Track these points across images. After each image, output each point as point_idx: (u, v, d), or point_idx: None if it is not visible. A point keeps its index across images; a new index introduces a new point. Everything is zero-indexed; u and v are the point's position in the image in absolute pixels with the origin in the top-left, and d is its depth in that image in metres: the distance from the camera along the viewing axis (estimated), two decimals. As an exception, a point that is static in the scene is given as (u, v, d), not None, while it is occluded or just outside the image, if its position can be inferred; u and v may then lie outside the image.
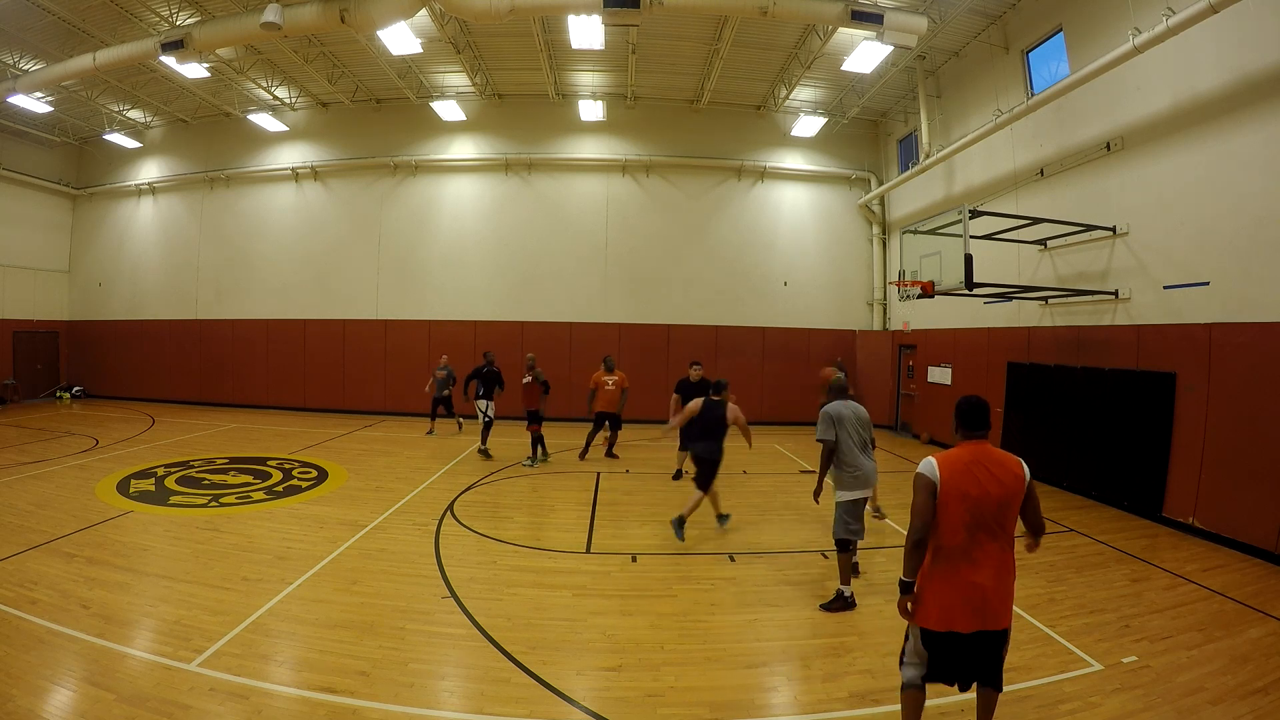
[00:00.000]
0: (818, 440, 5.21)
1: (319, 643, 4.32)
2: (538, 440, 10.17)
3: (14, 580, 5.12)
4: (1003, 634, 2.98)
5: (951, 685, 3.10)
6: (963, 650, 2.96)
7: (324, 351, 16.03)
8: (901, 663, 3.17)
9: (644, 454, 10.88)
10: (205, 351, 16.84)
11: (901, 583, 3.01)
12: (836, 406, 5.27)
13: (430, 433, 12.90)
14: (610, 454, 10.86)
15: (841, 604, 5.00)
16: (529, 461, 10.12)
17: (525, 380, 10.13)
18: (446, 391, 12.96)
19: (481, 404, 10.68)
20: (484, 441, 10.80)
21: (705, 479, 6.64)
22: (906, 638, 3.15)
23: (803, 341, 15.61)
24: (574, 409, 15.11)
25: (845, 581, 5.09)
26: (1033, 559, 6.20)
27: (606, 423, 10.64)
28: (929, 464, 2.97)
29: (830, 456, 5.19)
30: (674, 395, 9.56)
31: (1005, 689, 3.72)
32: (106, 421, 13.79)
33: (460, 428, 13.19)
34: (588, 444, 10.73)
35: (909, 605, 3.02)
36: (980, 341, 11.58)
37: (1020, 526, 3.07)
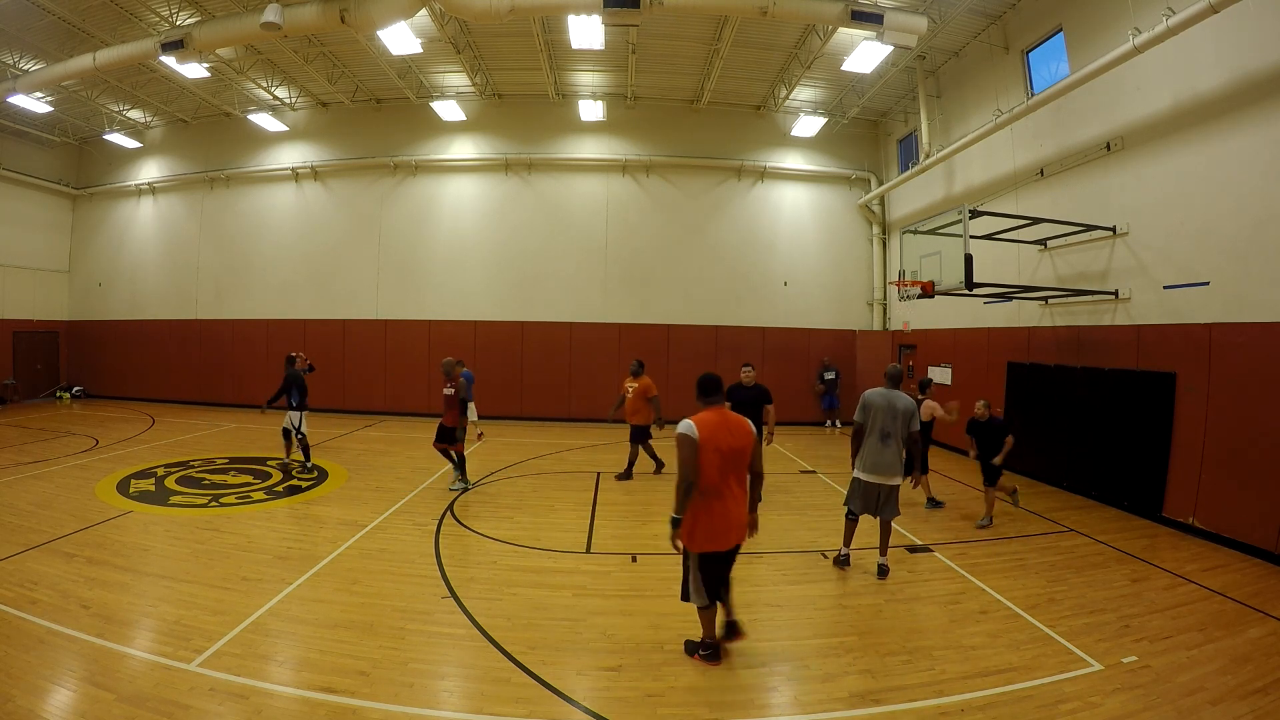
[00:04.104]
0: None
1: (319, 643, 4.31)
2: (460, 460, 8.66)
3: (14, 580, 5.12)
4: (737, 549, 4.06)
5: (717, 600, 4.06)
6: (724, 563, 4.04)
7: (324, 351, 15.97)
8: (687, 595, 4.07)
9: (643, 455, 10.84)
10: (205, 351, 16.84)
11: (673, 519, 3.87)
12: (872, 394, 5.63)
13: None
14: (623, 476, 9.35)
15: (838, 559, 5.92)
16: (458, 485, 8.62)
17: (447, 391, 8.37)
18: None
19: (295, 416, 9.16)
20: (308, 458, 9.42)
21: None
22: (686, 572, 4.05)
23: (803, 341, 15.61)
24: (573, 409, 15.21)
25: (845, 544, 5.92)
26: (1033, 559, 6.23)
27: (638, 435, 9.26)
28: (688, 424, 3.83)
29: (857, 436, 5.69)
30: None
31: (1006, 688, 3.86)
32: (106, 421, 13.79)
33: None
34: (650, 457, 9.54)
35: (679, 539, 3.90)
36: (980, 341, 11.58)
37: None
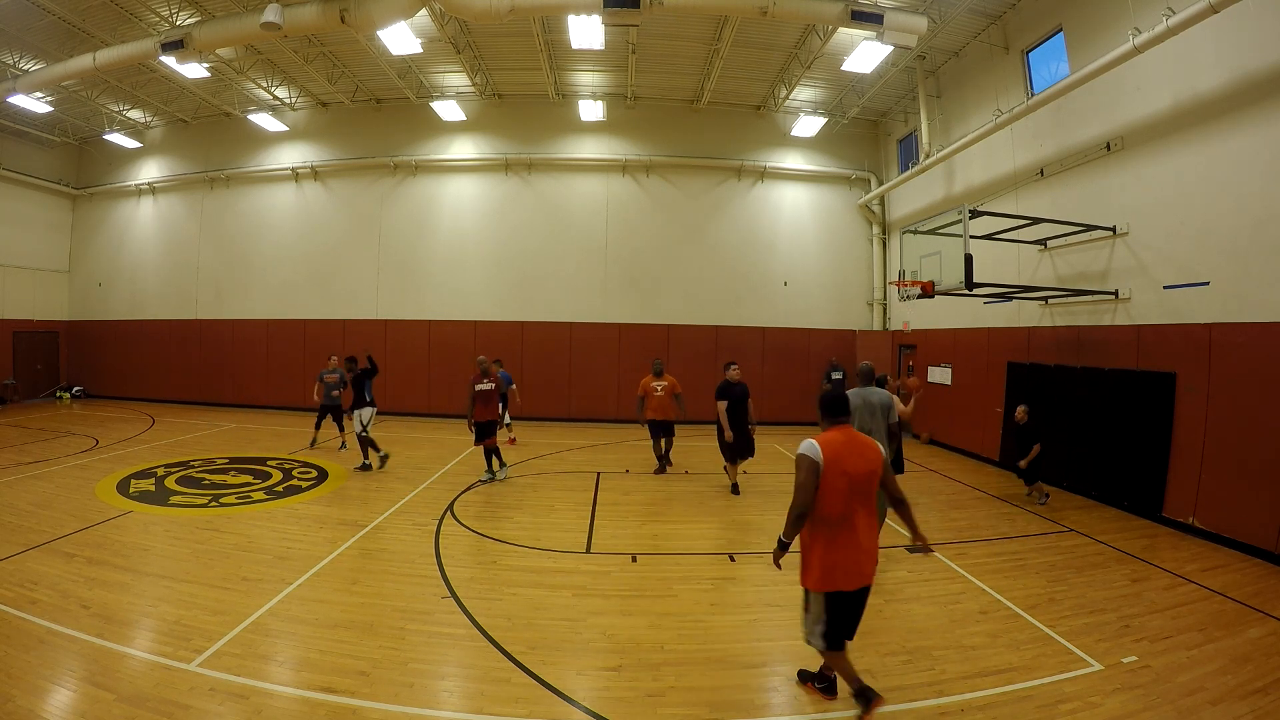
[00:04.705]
0: None
1: (319, 643, 4.31)
2: (494, 451, 9.16)
3: (14, 580, 5.12)
4: (868, 588, 3.53)
5: (849, 641, 3.59)
6: (854, 605, 3.51)
7: (324, 351, 15.97)
8: (809, 638, 3.59)
9: (643, 454, 10.86)
10: (205, 351, 16.84)
11: (781, 543, 3.54)
12: (850, 394, 5.56)
13: (313, 444, 11.34)
14: (662, 469, 9.88)
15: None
16: (493, 476, 9.14)
17: (484, 386, 8.82)
18: (336, 394, 11.12)
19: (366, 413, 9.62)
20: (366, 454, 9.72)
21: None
22: (805, 610, 3.58)
23: (803, 341, 15.61)
24: (573, 409, 15.20)
25: None
26: (1033, 559, 6.23)
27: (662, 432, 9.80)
28: (811, 445, 3.41)
29: None
30: (720, 403, 8.45)
31: (1006, 688, 3.85)
32: (106, 421, 13.79)
33: (344, 446, 11.19)
34: (658, 457, 9.97)
35: (781, 560, 3.58)
36: (980, 341, 11.58)
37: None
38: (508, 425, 11.17)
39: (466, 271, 15.83)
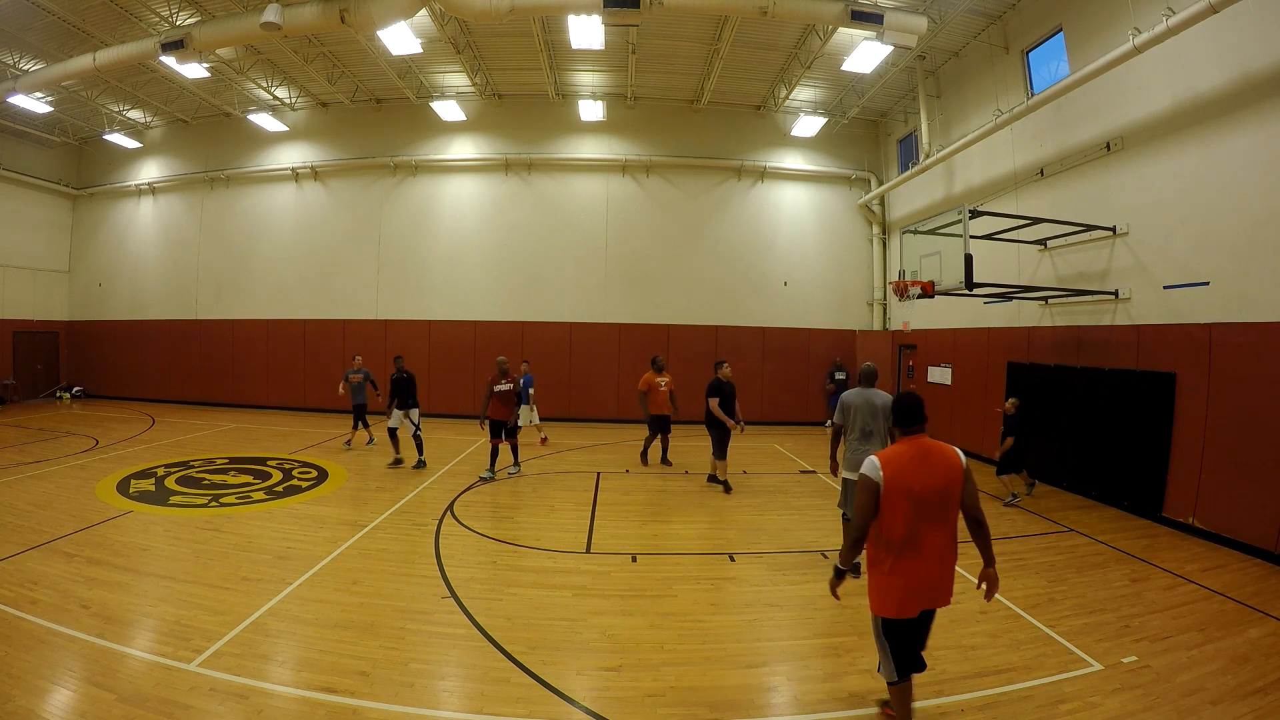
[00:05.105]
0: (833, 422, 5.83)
1: (319, 643, 4.31)
2: (513, 449, 9.49)
3: (14, 580, 5.12)
4: (932, 613, 3.28)
5: (919, 672, 3.35)
6: (912, 632, 3.24)
7: (324, 351, 16.03)
8: (879, 665, 3.39)
9: (675, 458, 10.86)
10: (205, 351, 16.84)
11: (837, 569, 3.30)
12: (851, 394, 5.68)
13: (348, 444, 11.54)
14: (665, 461, 10.33)
15: (839, 574, 5.33)
16: (511, 470, 9.49)
17: (503, 387, 9.08)
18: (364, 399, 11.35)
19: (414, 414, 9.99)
20: (420, 452, 9.97)
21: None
22: (874, 634, 3.33)
23: (803, 341, 15.61)
24: (573, 409, 15.20)
25: None
26: (1033, 559, 6.23)
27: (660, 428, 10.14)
28: (871, 464, 3.12)
29: (836, 438, 5.78)
30: (712, 400, 8.58)
31: (1006, 688, 3.84)
32: (106, 421, 13.79)
33: (370, 441, 11.64)
34: (646, 449, 10.41)
35: (838, 588, 3.31)
36: (980, 341, 11.58)
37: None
38: (537, 425, 11.71)
39: (466, 272, 15.83)
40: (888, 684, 3.32)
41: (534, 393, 11.35)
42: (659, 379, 9.96)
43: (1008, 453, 8.19)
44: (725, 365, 8.96)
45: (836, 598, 3.37)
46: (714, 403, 8.56)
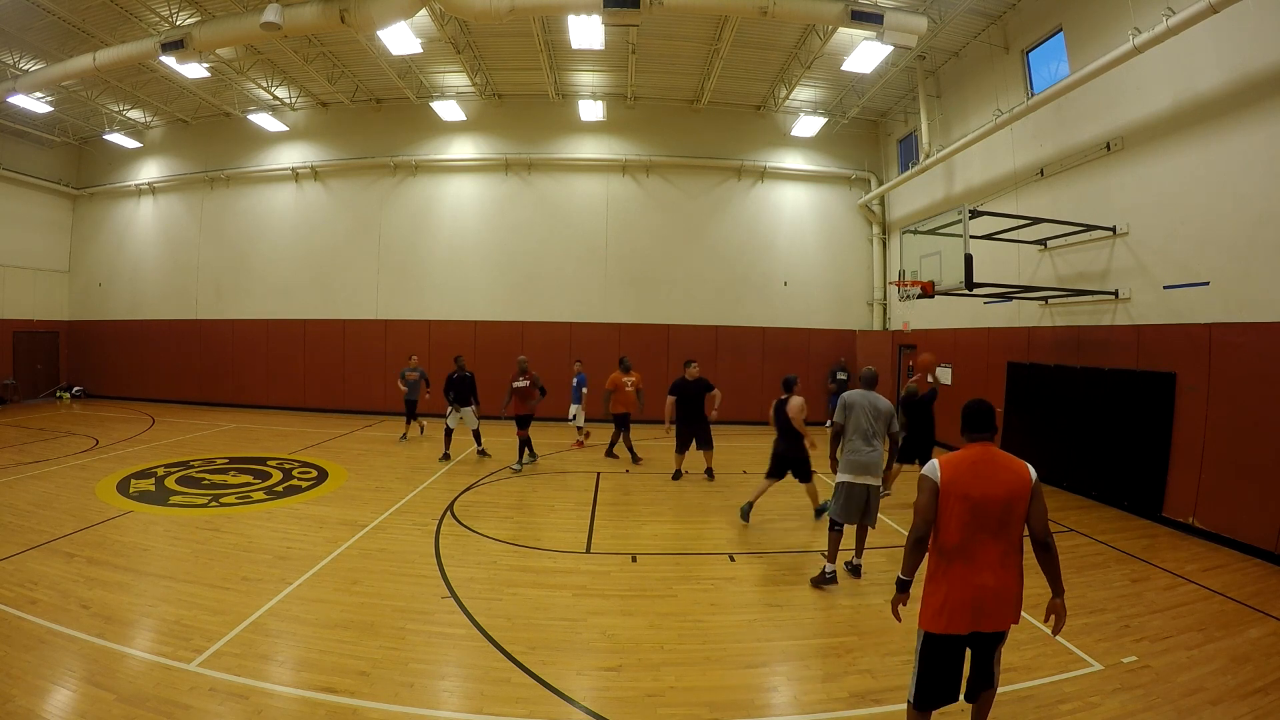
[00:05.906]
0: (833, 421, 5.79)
1: (319, 643, 4.31)
2: (526, 443, 10.07)
3: (14, 580, 5.12)
4: (998, 635, 2.98)
5: (952, 702, 3.05)
6: (954, 653, 2.98)
7: (324, 351, 16.03)
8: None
9: (645, 454, 10.86)
10: (205, 351, 16.84)
11: (899, 580, 3.08)
12: (852, 394, 5.65)
13: (404, 437, 12.36)
14: (610, 454, 10.92)
15: (822, 579, 5.48)
16: (518, 466, 9.93)
17: (521, 384, 9.78)
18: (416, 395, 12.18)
19: (468, 411, 10.60)
20: (479, 443, 10.90)
21: (804, 473, 7.28)
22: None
23: (803, 341, 15.61)
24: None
25: (830, 560, 5.51)
26: (1032, 559, 6.18)
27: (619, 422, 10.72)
28: (932, 465, 3.01)
29: (836, 438, 5.72)
30: (670, 398, 9.27)
31: (1006, 689, 3.73)
32: (106, 421, 13.79)
33: (422, 430, 12.73)
34: (612, 445, 10.96)
35: (902, 604, 3.09)
36: (980, 341, 11.58)
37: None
38: (579, 426, 12.08)
39: (466, 272, 15.83)
40: (909, 708, 3.07)
41: (586, 391, 11.75)
42: (626, 378, 10.49)
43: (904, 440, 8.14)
44: (693, 364, 9.37)
45: (898, 619, 3.14)
46: (670, 400, 9.23)
